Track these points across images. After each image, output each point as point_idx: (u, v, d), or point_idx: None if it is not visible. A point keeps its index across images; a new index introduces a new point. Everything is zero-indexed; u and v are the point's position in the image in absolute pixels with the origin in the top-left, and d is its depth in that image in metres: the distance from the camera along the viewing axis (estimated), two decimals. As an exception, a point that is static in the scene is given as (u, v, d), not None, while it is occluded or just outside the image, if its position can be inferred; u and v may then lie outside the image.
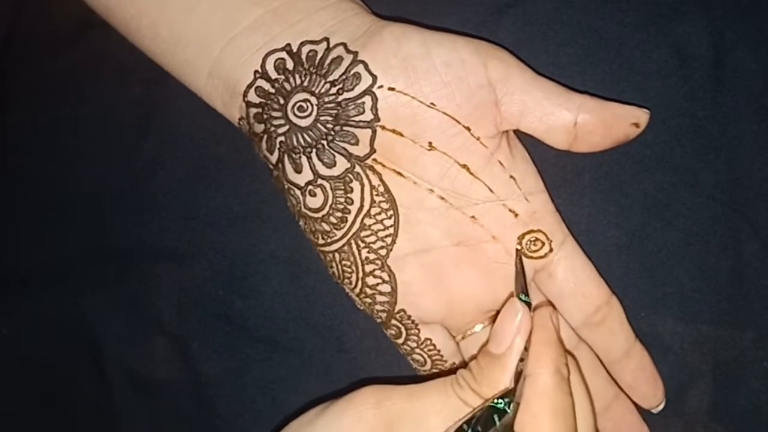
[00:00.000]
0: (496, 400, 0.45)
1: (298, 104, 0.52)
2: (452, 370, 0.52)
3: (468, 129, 0.52)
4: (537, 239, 0.54)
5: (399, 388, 0.48)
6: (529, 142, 0.55)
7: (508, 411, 0.44)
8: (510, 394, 0.45)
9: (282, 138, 0.52)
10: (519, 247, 0.54)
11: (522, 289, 0.52)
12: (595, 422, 0.49)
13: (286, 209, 0.56)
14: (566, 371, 0.47)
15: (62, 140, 0.66)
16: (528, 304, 0.49)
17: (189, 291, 0.62)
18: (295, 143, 0.52)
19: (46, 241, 0.66)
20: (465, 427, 0.43)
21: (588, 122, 0.52)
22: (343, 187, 0.52)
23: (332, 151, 0.52)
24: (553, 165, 0.57)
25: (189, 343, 0.63)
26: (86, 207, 0.65)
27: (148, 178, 0.63)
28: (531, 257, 0.54)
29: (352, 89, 0.51)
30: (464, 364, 0.55)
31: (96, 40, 0.65)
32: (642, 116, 0.53)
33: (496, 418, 0.44)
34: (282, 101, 0.52)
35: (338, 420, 0.47)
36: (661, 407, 0.58)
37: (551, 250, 0.54)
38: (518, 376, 0.46)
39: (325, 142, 0.52)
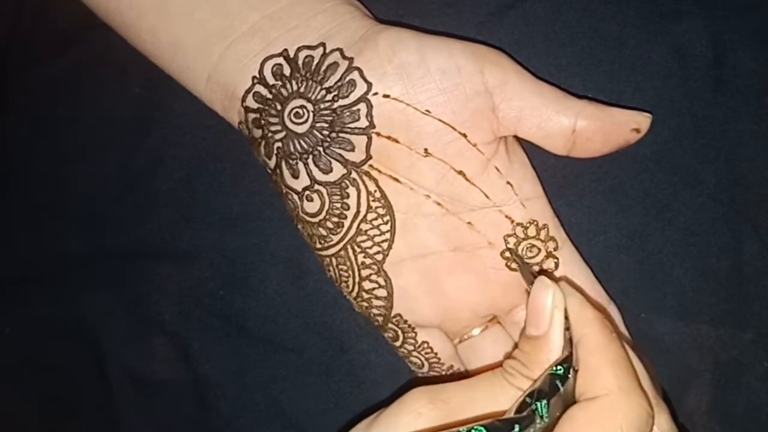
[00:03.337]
0: (555, 368, 0.44)
1: (294, 110, 0.52)
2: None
3: (464, 136, 0.52)
4: (533, 245, 0.54)
5: (449, 384, 0.47)
6: (527, 143, 0.55)
7: (569, 376, 0.44)
8: (567, 360, 0.45)
9: (279, 144, 0.52)
10: (512, 248, 0.54)
11: (531, 278, 0.51)
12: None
13: (286, 210, 0.56)
14: (611, 326, 0.47)
15: (62, 140, 0.66)
16: None
17: (189, 291, 0.63)
18: (292, 149, 0.52)
19: (46, 241, 0.66)
20: (528, 399, 0.43)
21: (586, 129, 0.52)
22: (339, 193, 0.52)
23: (328, 158, 0.52)
24: (553, 165, 0.57)
25: (189, 343, 0.63)
26: (86, 207, 0.65)
27: (148, 178, 0.63)
28: (527, 263, 0.54)
29: (347, 96, 0.51)
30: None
31: (96, 40, 0.65)
32: (643, 121, 0.52)
33: (558, 383, 0.43)
34: (279, 107, 0.52)
35: (396, 422, 0.45)
36: None
37: (547, 256, 0.54)
38: (569, 343, 0.46)
39: (321, 149, 0.52)
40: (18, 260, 0.66)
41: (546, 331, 0.46)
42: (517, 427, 0.41)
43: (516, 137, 0.55)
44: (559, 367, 0.44)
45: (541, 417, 0.42)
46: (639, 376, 0.46)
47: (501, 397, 0.46)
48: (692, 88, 0.59)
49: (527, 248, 0.54)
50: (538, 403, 0.42)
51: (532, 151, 0.55)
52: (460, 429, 0.41)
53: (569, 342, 0.46)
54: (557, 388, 0.43)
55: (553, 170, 0.57)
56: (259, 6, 0.54)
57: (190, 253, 0.62)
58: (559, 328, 0.46)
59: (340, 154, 0.52)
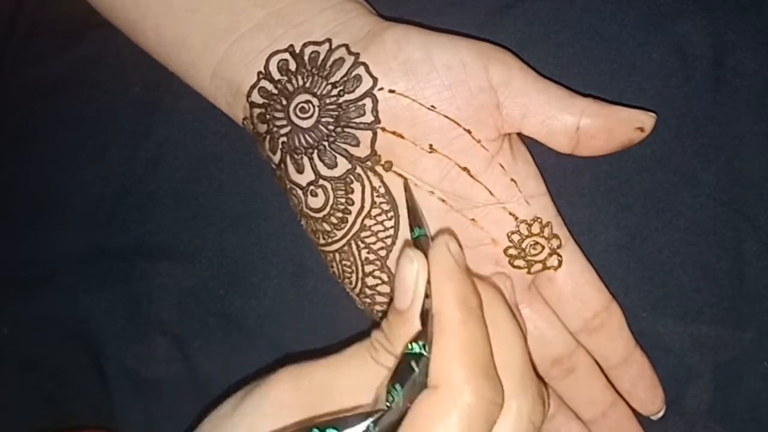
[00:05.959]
0: (409, 346, 0.41)
1: (300, 105, 0.52)
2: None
3: (469, 132, 0.52)
4: (537, 243, 0.54)
5: (317, 363, 0.45)
6: (528, 142, 0.55)
7: (425, 353, 0.41)
8: (422, 337, 0.41)
9: (284, 138, 0.52)
10: (405, 178, 0.52)
11: (415, 221, 0.49)
12: (525, 349, 0.44)
13: (287, 209, 0.56)
14: (475, 300, 0.43)
15: (62, 140, 0.66)
16: (425, 236, 0.47)
17: (189, 290, 0.62)
18: (297, 144, 0.52)
19: (46, 240, 0.65)
20: (390, 386, 0.40)
21: (590, 127, 0.52)
22: (344, 188, 0.52)
23: (333, 152, 0.52)
24: (554, 165, 0.57)
25: (189, 343, 0.62)
26: (87, 206, 0.64)
27: (148, 178, 0.63)
28: (531, 261, 0.54)
29: (353, 91, 0.51)
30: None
31: (97, 39, 0.65)
32: (647, 120, 0.53)
33: (413, 364, 0.40)
34: (284, 102, 0.52)
35: (259, 410, 0.43)
36: (660, 414, 0.57)
37: (551, 253, 0.54)
38: (425, 315, 0.42)
39: (326, 143, 0.52)
40: (18, 260, 0.66)
41: (408, 306, 0.43)
42: (369, 423, 0.39)
43: (519, 135, 0.55)
44: (413, 345, 0.41)
45: (389, 404, 0.39)
46: (509, 353, 0.43)
47: (365, 375, 0.44)
48: (692, 88, 0.59)
49: (531, 245, 0.54)
50: (393, 389, 0.40)
51: (533, 150, 0.56)
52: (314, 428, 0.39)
53: (426, 314, 0.42)
54: (412, 370, 0.40)
55: (553, 170, 0.57)
56: (264, 3, 0.54)
57: (190, 253, 0.62)
58: (420, 303, 0.43)
59: (345, 149, 0.52)
